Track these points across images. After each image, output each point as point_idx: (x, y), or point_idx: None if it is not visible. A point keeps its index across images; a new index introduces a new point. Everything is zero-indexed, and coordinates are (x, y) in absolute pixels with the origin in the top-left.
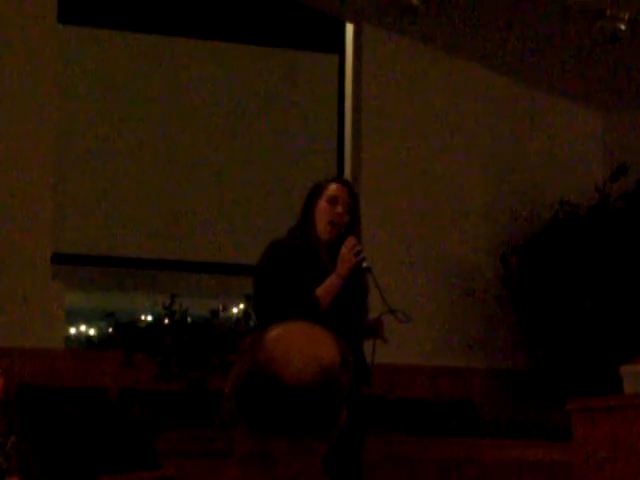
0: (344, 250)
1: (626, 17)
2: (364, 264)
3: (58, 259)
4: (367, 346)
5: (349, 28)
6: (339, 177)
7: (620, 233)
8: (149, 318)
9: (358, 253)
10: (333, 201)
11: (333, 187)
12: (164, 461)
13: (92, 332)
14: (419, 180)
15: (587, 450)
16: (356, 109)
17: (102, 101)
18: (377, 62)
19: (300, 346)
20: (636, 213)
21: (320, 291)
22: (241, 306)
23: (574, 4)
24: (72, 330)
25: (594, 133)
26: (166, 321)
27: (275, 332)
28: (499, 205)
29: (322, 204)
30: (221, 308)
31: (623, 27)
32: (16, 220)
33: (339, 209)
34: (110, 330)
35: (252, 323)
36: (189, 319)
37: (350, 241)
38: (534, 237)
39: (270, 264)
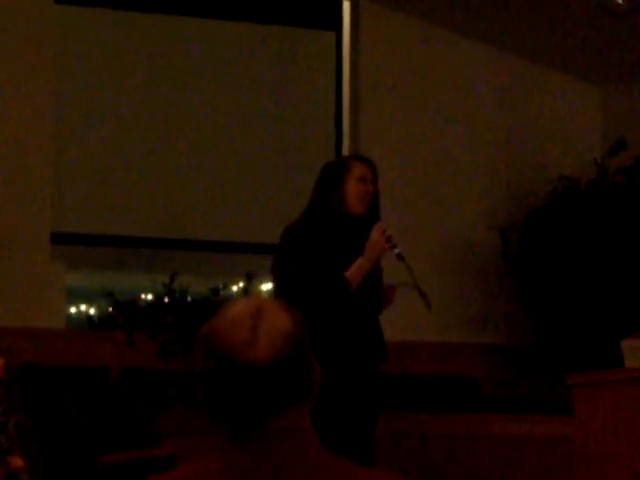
0: (375, 236)
1: None
2: (396, 250)
3: (57, 239)
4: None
5: (346, 5)
6: (359, 155)
7: (619, 207)
8: (149, 297)
9: (389, 239)
10: (363, 180)
11: (360, 166)
12: (165, 440)
13: (92, 312)
14: (417, 157)
15: (588, 425)
16: (354, 87)
17: (100, 82)
18: (375, 39)
19: (254, 324)
20: (635, 187)
21: (350, 274)
22: (241, 284)
23: None
24: (72, 310)
25: (592, 107)
26: (166, 300)
27: (224, 317)
28: (498, 180)
29: (352, 183)
30: (221, 286)
31: (621, 0)
32: (15, 200)
33: (370, 188)
34: (110, 309)
35: None
36: (189, 297)
37: (380, 227)
38: (533, 212)
39: (297, 246)
